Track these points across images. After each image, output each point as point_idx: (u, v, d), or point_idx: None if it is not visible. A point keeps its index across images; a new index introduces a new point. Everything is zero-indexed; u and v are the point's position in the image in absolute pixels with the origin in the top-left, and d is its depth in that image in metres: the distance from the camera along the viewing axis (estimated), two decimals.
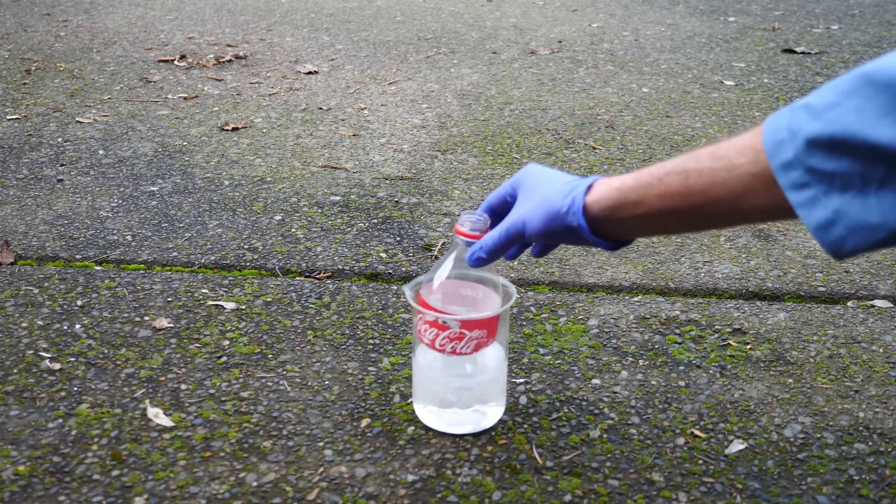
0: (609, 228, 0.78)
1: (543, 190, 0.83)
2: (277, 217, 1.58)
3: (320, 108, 2.21)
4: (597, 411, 1.06)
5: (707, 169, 0.68)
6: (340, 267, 1.41)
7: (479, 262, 0.91)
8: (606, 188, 0.77)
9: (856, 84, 0.60)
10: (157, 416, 1.03)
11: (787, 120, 0.63)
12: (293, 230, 1.53)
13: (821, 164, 0.61)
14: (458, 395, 1.00)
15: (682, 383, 1.11)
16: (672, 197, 0.71)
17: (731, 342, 1.21)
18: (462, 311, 0.95)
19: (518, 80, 2.49)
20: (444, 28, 3.10)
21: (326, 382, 1.10)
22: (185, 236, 1.50)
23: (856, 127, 0.59)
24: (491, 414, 1.02)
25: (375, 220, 1.57)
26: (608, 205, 0.76)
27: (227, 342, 1.19)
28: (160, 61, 2.62)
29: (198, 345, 1.18)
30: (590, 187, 0.78)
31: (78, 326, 1.22)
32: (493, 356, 1.01)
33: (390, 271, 1.40)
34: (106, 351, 1.16)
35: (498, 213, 0.92)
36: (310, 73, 2.53)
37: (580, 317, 1.27)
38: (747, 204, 0.66)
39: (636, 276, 1.39)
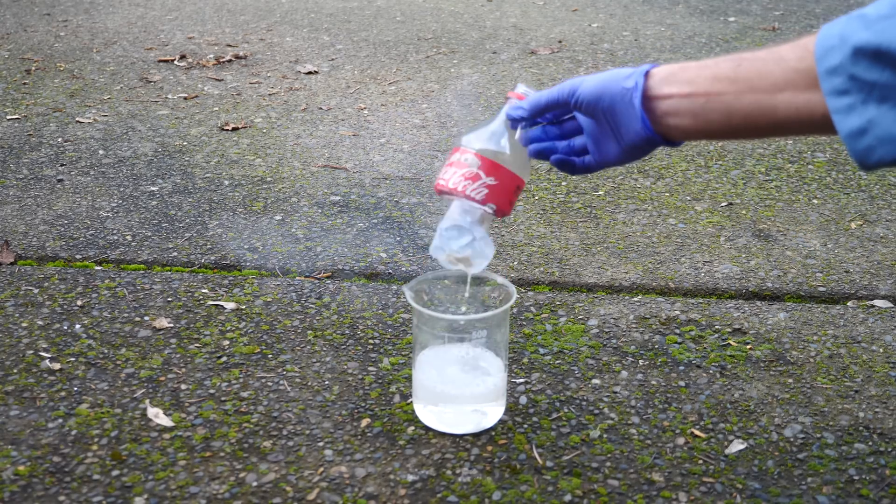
0: (660, 110, 0.78)
1: (605, 72, 0.84)
2: (277, 217, 1.58)
3: (320, 108, 2.21)
4: (597, 411, 1.06)
5: (758, 58, 0.71)
6: (340, 267, 1.41)
7: (517, 115, 0.89)
8: (666, 66, 0.79)
9: None
10: (157, 416, 1.03)
11: (840, 27, 0.65)
12: (293, 230, 1.53)
13: (864, 73, 0.63)
14: (459, 395, 1.00)
15: (682, 383, 1.11)
16: (721, 81, 0.73)
17: (731, 342, 1.21)
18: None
19: (518, 80, 2.49)
20: (444, 28, 3.10)
21: (326, 382, 1.10)
22: (185, 236, 1.50)
23: None
24: (491, 414, 1.02)
25: (375, 220, 1.57)
26: (665, 74, 0.78)
27: (227, 342, 1.19)
28: (160, 61, 2.62)
29: (198, 345, 1.18)
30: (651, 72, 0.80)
31: (78, 326, 1.22)
32: (493, 356, 1.01)
33: (390, 271, 1.40)
34: (106, 351, 1.16)
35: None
36: (310, 73, 2.53)
37: (580, 317, 1.27)
38: (784, 102, 0.69)
39: (636, 276, 1.39)
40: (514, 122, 0.90)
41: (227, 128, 2.05)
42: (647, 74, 0.79)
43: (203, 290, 1.32)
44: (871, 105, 0.63)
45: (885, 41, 0.61)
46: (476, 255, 0.94)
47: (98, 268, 1.40)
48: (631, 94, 0.79)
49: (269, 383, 1.10)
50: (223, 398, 1.07)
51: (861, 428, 1.03)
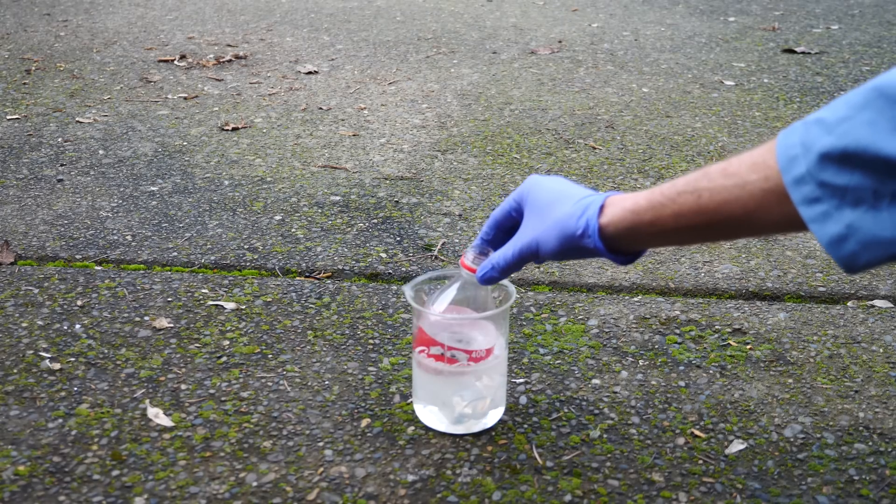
0: (624, 246, 0.79)
1: (554, 212, 0.84)
2: (277, 217, 1.58)
3: (320, 108, 2.21)
4: (597, 411, 1.06)
5: (719, 187, 0.68)
6: (340, 267, 1.41)
7: (491, 281, 0.92)
8: (620, 210, 0.77)
9: (868, 97, 0.59)
10: (157, 416, 1.03)
11: (799, 135, 0.63)
12: (293, 230, 1.53)
13: (833, 179, 0.60)
14: (459, 395, 1.00)
15: (682, 383, 1.11)
16: (686, 216, 0.71)
17: (731, 342, 1.21)
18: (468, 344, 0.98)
19: (518, 80, 2.49)
20: (444, 28, 3.10)
21: (326, 382, 1.10)
22: (185, 236, 1.50)
23: (868, 140, 0.58)
24: (491, 414, 1.02)
25: (375, 220, 1.57)
26: (623, 227, 0.77)
27: (227, 342, 1.19)
28: (160, 61, 2.62)
29: (198, 345, 1.18)
30: (602, 207, 0.79)
31: (78, 326, 1.22)
32: (494, 356, 1.01)
33: (390, 271, 1.40)
34: (106, 351, 1.16)
35: (504, 228, 0.92)
36: (310, 73, 2.53)
37: (580, 317, 1.27)
38: (760, 219, 0.67)
39: (636, 276, 1.39)
40: (489, 283, 0.93)
41: (227, 128, 2.05)
42: (600, 229, 0.78)
43: (203, 290, 1.32)
44: (846, 210, 0.61)
45: (850, 143, 0.59)
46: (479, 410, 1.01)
47: (98, 268, 1.40)
48: (596, 251, 0.80)
49: (269, 383, 1.10)
50: (223, 398, 1.07)
51: (861, 428, 1.03)
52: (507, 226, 0.92)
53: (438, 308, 0.97)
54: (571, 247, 0.82)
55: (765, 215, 0.66)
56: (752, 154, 0.66)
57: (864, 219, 0.60)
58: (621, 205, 0.77)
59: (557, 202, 0.84)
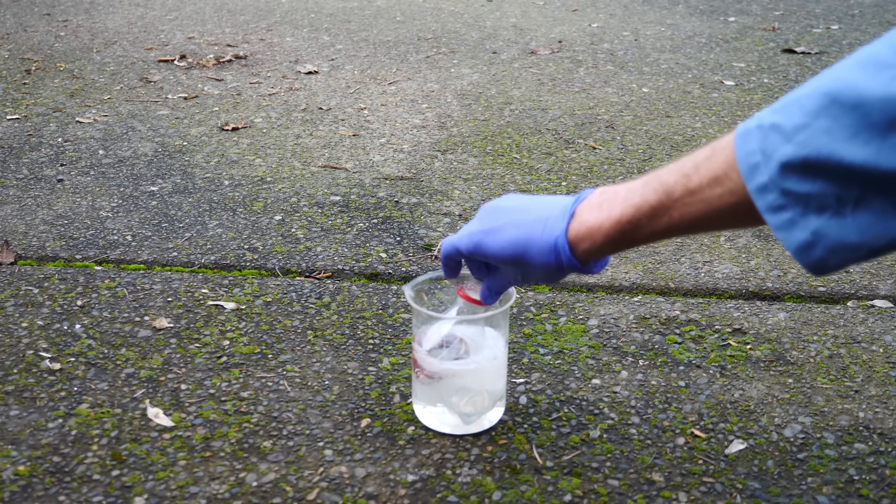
0: (586, 259, 0.80)
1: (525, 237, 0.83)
2: (277, 217, 1.58)
3: (320, 108, 2.21)
4: (597, 411, 1.06)
5: (685, 203, 0.68)
6: (340, 267, 1.41)
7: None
8: (588, 239, 0.77)
9: (822, 104, 0.59)
10: (157, 416, 1.03)
11: (758, 141, 0.62)
12: (293, 230, 1.53)
13: (796, 187, 0.60)
14: (459, 395, 1.00)
15: (682, 383, 1.11)
16: (662, 233, 0.72)
17: (731, 342, 1.21)
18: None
19: (518, 80, 2.49)
20: (444, 28, 3.10)
21: (326, 382, 1.10)
22: (185, 236, 1.50)
23: (828, 149, 0.58)
24: (491, 414, 1.02)
25: (375, 220, 1.57)
26: (593, 250, 0.77)
27: (227, 342, 1.19)
28: (160, 61, 2.62)
29: (198, 345, 1.18)
30: (569, 242, 0.78)
31: (78, 326, 1.22)
32: (494, 357, 1.01)
33: (390, 271, 1.40)
34: (106, 351, 1.16)
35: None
36: (310, 73, 2.53)
37: (580, 317, 1.27)
38: (732, 223, 0.68)
39: (636, 276, 1.39)
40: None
41: (227, 128, 2.05)
42: (571, 249, 0.78)
43: (203, 290, 1.32)
44: (811, 217, 0.61)
45: (810, 153, 0.59)
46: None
47: (98, 268, 1.40)
48: (571, 263, 0.79)
49: (269, 383, 1.10)
50: (223, 398, 1.07)
51: (861, 428, 1.03)
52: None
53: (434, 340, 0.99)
54: (545, 269, 0.81)
55: (735, 221, 0.67)
56: (711, 164, 0.66)
57: (830, 225, 0.60)
58: (589, 236, 0.77)
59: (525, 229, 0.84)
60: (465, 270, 0.94)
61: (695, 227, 0.69)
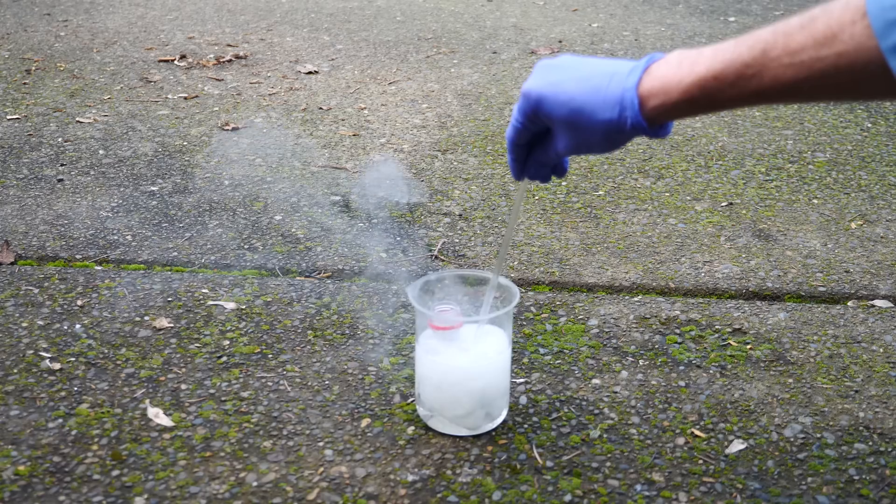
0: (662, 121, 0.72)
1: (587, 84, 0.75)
2: (277, 217, 1.58)
3: (320, 108, 2.21)
4: (597, 411, 1.06)
5: (785, 67, 0.62)
6: (340, 267, 1.41)
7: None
8: (661, 99, 0.69)
9: None
10: (157, 416, 1.03)
11: None
12: (293, 230, 1.53)
13: None
14: (459, 396, 1.00)
15: (682, 383, 1.11)
16: (748, 98, 0.66)
17: (731, 342, 1.21)
18: None
19: (518, 79, 2.49)
20: (444, 28, 3.10)
21: (326, 382, 1.10)
22: (185, 236, 1.50)
23: None
24: (493, 415, 1.02)
25: (375, 220, 1.57)
26: (670, 110, 0.70)
27: (227, 342, 1.19)
28: (160, 61, 2.62)
29: (198, 345, 1.18)
30: (639, 96, 0.71)
31: (78, 326, 1.22)
32: (495, 357, 1.01)
33: (390, 271, 1.40)
34: (106, 351, 1.16)
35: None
36: (310, 73, 2.53)
37: (580, 317, 1.27)
38: (836, 94, 0.62)
39: (636, 276, 1.39)
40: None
41: (227, 128, 2.05)
42: (637, 89, 0.71)
43: (203, 290, 1.32)
44: None
45: None
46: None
47: (98, 268, 1.40)
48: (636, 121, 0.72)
49: (269, 383, 1.10)
50: (223, 398, 1.07)
51: (861, 428, 1.03)
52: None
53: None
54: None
55: (839, 90, 0.62)
56: (821, 22, 0.60)
57: None
58: (664, 89, 0.69)
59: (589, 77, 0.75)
60: (440, 305, 0.98)
61: (786, 94, 0.63)
